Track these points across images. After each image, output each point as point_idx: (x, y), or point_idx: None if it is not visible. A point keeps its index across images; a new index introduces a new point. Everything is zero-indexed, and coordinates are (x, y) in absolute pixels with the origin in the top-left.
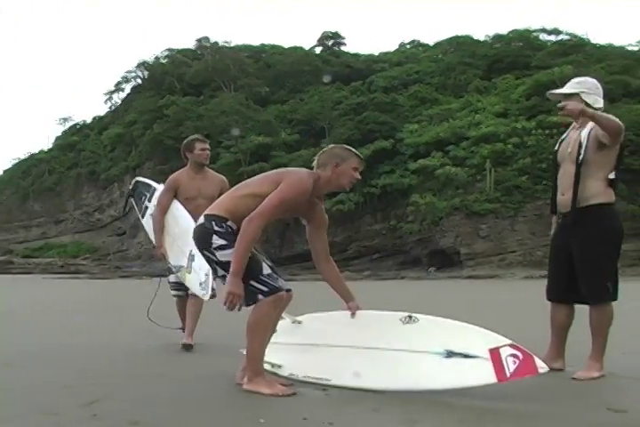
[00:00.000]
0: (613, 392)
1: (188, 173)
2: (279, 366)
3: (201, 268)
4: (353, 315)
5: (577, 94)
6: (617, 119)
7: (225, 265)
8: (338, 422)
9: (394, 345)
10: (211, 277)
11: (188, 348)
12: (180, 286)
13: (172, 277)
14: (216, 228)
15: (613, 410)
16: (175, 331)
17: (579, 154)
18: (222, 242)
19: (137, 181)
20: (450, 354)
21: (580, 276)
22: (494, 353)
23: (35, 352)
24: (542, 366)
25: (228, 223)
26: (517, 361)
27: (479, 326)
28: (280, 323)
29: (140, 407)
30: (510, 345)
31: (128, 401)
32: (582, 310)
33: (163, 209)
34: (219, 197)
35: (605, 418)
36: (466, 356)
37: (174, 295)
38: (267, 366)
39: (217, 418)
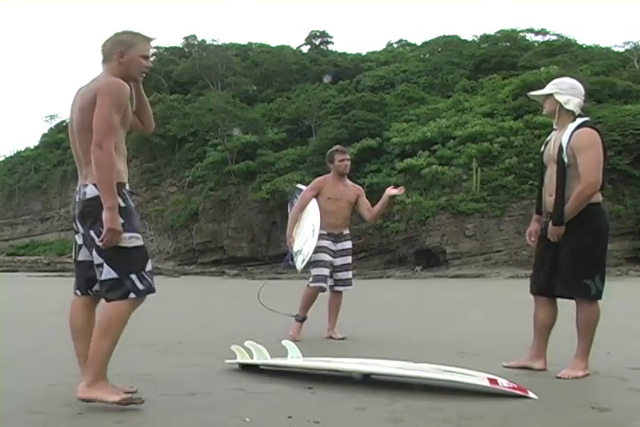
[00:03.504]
0: (598, 391)
1: (332, 179)
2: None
3: (305, 243)
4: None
5: (551, 95)
6: (585, 188)
7: (108, 252)
8: (323, 421)
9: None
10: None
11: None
12: (327, 279)
13: (324, 271)
14: (124, 203)
15: (598, 409)
16: (290, 317)
17: (560, 157)
18: (121, 221)
19: (296, 188)
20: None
21: (563, 272)
22: (492, 380)
23: (20, 351)
24: (534, 396)
25: (128, 189)
26: (513, 385)
27: (466, 323)
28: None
29: (126, 407)
30: (509, 380)
31: None
32: (565, 310)
33: (303, 204)
34: (356, 203)
35: (590, 417)
36: (464, 374)
37: (320, 289)
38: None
39: (202, 417)
